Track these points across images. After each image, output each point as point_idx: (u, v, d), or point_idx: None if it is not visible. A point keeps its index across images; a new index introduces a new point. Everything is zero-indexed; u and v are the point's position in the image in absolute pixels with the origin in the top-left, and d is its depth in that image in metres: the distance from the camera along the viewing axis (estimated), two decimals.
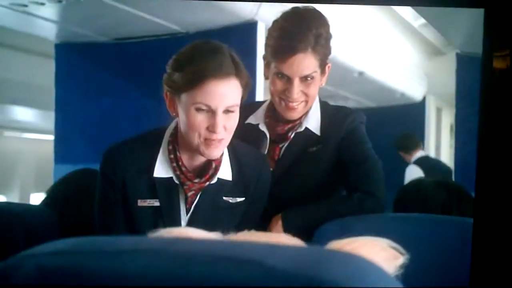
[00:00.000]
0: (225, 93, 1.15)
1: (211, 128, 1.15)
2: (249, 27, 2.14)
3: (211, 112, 1.15)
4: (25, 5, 1.93)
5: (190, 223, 1.24)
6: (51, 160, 2.56)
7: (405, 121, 3.42)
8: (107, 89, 2.48)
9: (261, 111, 1.43)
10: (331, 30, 1.36)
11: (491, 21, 1.16)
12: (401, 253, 0.67)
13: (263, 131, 1.39)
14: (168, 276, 0.48)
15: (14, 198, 3.41)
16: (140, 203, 1.22)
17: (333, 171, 1.36)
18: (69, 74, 2.55)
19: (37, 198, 3.43)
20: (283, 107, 1.35)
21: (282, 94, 1.34)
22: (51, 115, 2.60)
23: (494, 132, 1.20)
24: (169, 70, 1.18)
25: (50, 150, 2.59)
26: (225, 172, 1.25)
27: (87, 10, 2.03)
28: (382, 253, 0.66)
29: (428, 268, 1.14)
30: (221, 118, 1.15)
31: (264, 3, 1.67)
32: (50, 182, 2.10)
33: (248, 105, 1.42)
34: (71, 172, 1.51)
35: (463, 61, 2.37)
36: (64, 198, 1.43)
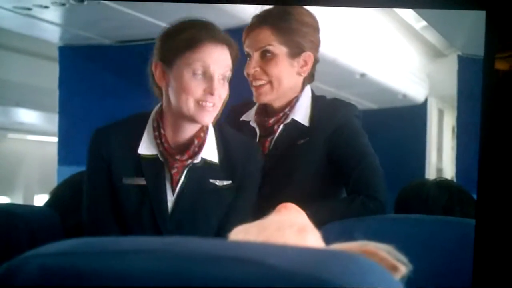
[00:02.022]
0: (221, 58, 1.19)
1: (208, 90, 1.18)
2: None
3: (207, 77, 1.18)
4: (29, 8, 1.93)
5: (176, 205, 1.24)
6: (54, 161, 2.57)
7: (407, 122, 3.41)
8: (111, 91, 2.48)
9: (254, 109, 1.44)
10: (320, 25, 1.37)
11: (493, 23, 1.16)
12: (403, 263, 0.62)
13: (253, 127, 1.41)
14: (170, 277, 0.49)
15: (18, 200, 3.41)
16: (125, 180, 1.24)
17: (324, 164, 1.35)
18: (73, 76, 2.56)
19: (40, 200, 3.43)
20: (253, 91, 1.37)
21: (248, 76, 1.36)
22: (55, 117, 2.61)
23: (496, 134, 1.20)
24: (161, 41, 1.22)
25: (53, 152, 2.60)
26: (211, 153, 1.26)
27: (90, 13, 2.04)
28: (380, 264, 0.61)
29: (430, 269, 1.14)
30: (217, 82, 1.18)
31: (265, 6, 1.68)
32: (53, 183, 2.11)
33: (245, 104, 1.44)
34: (74, 174, 1.52)
35: (464, 63, 2.37)
36: (68, 200, 1.44)
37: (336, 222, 1.24)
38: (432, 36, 3.00)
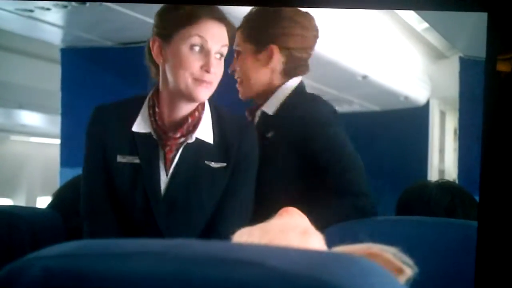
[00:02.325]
0: (219, 34, 1.20)
1: (205, 67, 1.19)
2: None
3: (204, 52, 1.19)
4: (31, 10, 1.94)
5: (169, 185, 1.23)
6: (57, 163, 2.57)
7: (409, 124, 3.41)
8: (113, 93, 2.49)
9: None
10: (289, 13, 1.36)
11: (495, 25, 1.16)
12: (408, 265, 0.62)
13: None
14: (172, 278, 0.49)
15: (21, 201, 3.42)
16: (120, 158, 1.24)
17: (294, 158, 1.33)
18: (75, 78, 2.57)
19: (43, 201, 3.44)
20: None
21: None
22: (57, 119, 2.62)
23: (498, 135, 1.20)
24: (159, 17, 1.23)
25: (56, 153, 2.61)
26: (206, 133, 1.25)
27: (92, 15, 2.04)
28: (385, 267, 0.60)
29: (432, 271, 1.14)
30: (214, 58, 1.19)
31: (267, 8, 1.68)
32: (56, 185, 2.11)
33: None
34: (77, 176, 1.52)
35: (466, 65, 2.37)
36: (70, 201, 1.44)
37: (338, 224, 1.24)
38: (434, 38, 3.00)
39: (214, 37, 1.20)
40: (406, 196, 1.48)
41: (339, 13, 2.21)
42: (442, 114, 3.74)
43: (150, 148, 1.24)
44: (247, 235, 0.64)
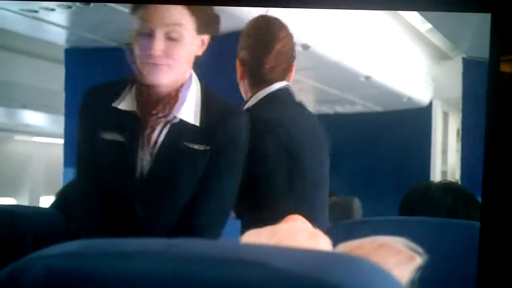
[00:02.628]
0: (162, 15, 1.20)
1: (149, 50, 1.18)
2: None
3: (150, 36, 1.20)
4: (35, 11, 1.94)
5: (150, 165, 1.23)
6: (60, 163, 2.58)
7: (412, 125, 3.41)
8: None
9: None
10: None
11: (498, 26, 1.16)
12: (418, 253, 0.63)
13: None
14: (174, 278, 0.49)
15: (24, 201, 3.43)
16: (105, 136, 1.24)
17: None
18: (79, 78, 2.57)
19: (46, 201, 3.44)
20: None
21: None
22: (61, 119, 2.62)
23: (501, 136, 1.20)
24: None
25: (59, 153, 2.61)
26: (191, 115, 1.24)
27: (96, 15, 2.05)
28: (396, 257, 0.63)
29: (434, 271, 1.14)
30: (159, 41, 1.18)
31: (271, 8, 1.68)
32: (59, 185, 2.12)
33: None
34: None
35: (469, 66, 2.37)
36: (74, 201, 1.44)
37: (339, 224, 1.24)
38: (437, 39, 3.00)
39: (156, 19, 1.20)
40: (409, 196, 1.48)
41: (342, 14, 2.21)
42: (445, 115, 3.74)
43: (133, 126, 1.24)
44: (255, 236, 0.65)
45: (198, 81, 1.30)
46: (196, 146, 1.23)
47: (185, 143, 1.23)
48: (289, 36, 1.45)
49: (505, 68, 1.20)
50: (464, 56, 2.44)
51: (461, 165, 2.51)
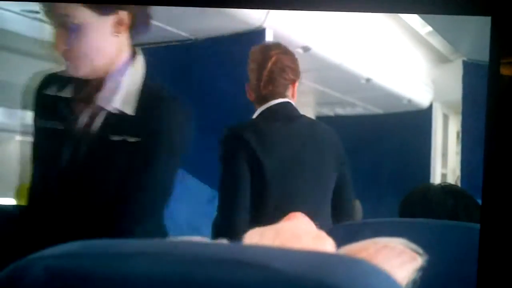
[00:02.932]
0: (53, 8, 1.20)
1: (54, 45, 1.21)
2: (258, 34, 2.15)
3: (55, 29, 1.21)
4: (37, 12, 1.95)
5: (87, 154, 1.22)
6: None
7: (412, 127, 3.41)
8: None
9: None
10: None
11: (498, 29, 1.16)
12: (419, 254, 0.65)
13: None
14: (173, 279, 0.49)
15: (25, 202, 3.42)
16: (45, 124, 1.25)
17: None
18: None
19: None
20: None
21: None
22: None
23: (500, 139, 1.20)
24: None
25: None
26: (123, 103, 1.22)
27: None
28: (399, 257, 0.64)
29: (434, 274, 1.14)
30: (56, 34, 1.20)
31: (272, 11, 1.69)
32: None
33: None
34: None
35: (469, 68, 2.37)
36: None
37: (340, 226, 1.24)
38: (437, 42, 3.00)
39: (49, 12, 1.21)
40: (409, 199, 1.48)
41: (342, 16, 2.22)
42: (445, 117, 3.74)
43: (72, 115, 1.24)
44: (259, 236, 0.64)
45: (142, 66, 1.27)
46: (128, 138, 1.20)
47: (115, 133, 1.21)
48: (282, 52, 1.55)
49: (505, 71, 1.20)
50: (464, 58, 2.44)
51: (461, 167, 2.51)
